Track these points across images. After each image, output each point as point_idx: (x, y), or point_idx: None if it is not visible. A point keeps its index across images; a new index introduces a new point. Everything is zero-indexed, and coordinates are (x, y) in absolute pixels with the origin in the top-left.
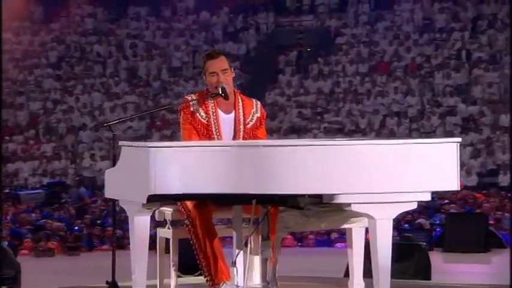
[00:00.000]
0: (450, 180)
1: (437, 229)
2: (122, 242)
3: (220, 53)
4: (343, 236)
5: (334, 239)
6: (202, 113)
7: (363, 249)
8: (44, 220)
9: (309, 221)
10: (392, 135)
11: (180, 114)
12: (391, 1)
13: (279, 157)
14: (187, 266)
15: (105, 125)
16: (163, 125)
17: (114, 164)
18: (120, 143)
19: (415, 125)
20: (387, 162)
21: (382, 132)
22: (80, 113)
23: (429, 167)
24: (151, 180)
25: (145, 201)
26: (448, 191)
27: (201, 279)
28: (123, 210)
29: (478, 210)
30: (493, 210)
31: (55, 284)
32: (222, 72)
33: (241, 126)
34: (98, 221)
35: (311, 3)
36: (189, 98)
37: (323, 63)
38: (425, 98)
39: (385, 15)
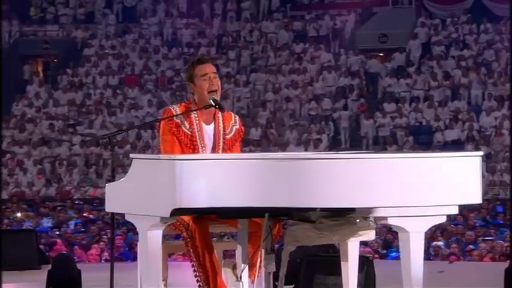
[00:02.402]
0: (475, 193)
1: None
2: None
3: (208, 59)
4: None
5: None
6: (187, 124)
7: (357, 263)
8: None
9: (321, 235)
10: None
11: (159, 126)
12: (138, 14)
13: (316, 170)
14: None
15: (104, 136)
16: None
17: (113, 177)
18: (132, 155)
19: None
20: (421, 176)
21: (138, 144)
22: None
23: (457, 180)
24: (177, 194)
25: (168, 215)
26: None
27: None
28: None
29: None
30: None
31: None
32: (214, 75)
33: (221, 138)
34: None
35: (56, 13)
36: (172, 110)
37: (72, 75)
38: None
39: (133, 28)
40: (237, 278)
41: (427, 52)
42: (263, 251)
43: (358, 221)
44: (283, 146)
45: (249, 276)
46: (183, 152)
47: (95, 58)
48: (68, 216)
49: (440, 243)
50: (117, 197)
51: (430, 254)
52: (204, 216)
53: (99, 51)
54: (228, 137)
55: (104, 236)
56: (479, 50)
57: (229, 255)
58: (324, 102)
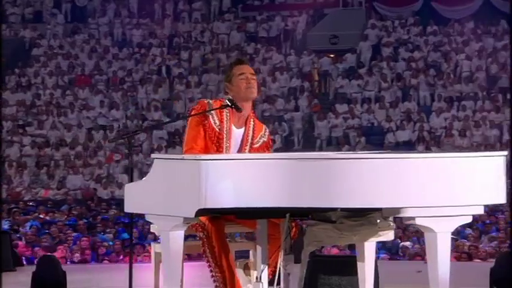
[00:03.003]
0: (500, 193)
1: None
2: None
3: (246, 60)
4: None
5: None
6: (217, 121)
7: (374, 263)
8: None
9: (342, 235)
10: (100, 148)
11: (189, 116)
12: (87, 14)
13: (345, 170)
14: None
15: (124, 136)
16: None
17: (131, 177)
18: (153, 155)
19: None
20: (448, 176)
21: (90, 145)
22: None
23: (483, 180)
24: (202, 194)
25: (193, 215)
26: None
27: None
28: None
29: None
30: None
31: None
32: (251, 76)
33: (248, 145)
34: None
35: (3, 13)
36: (207, 103)
37: (20, 75)
38: (129, 111)
39: (82, 28)
40: (252, 278)
41: (378, 53)
42: (282, 251)
43: (378, 221)
44: None
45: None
46: (205, 147)
47: (44, 58)
48: (24, 218)
49: (408, 243)
50: (137, 197)
51: (399, 255)
52: (221, 216)
53: (48, 51)
54: (255, 146)
55: (69, 238)
56: (428, 51)
57: (238, 256)
58: (277, 103)
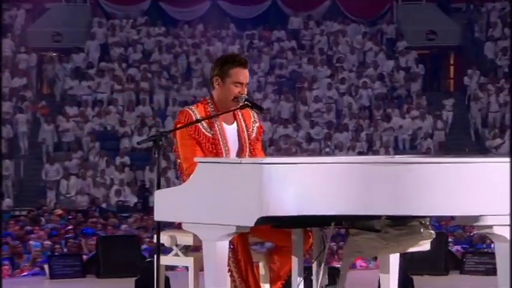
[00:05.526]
0: None
1: None
2: None
3: (247, 63)
4: None
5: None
6: (207, 126)
7: (397, 275)
8: None
9: (387, 245)
10: None
11: (176, 126)
12: None
13: (423, 175)
14: None
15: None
16: None
17: (158, 181)
18: (196, 159)
19: None
20: None
21: None
22: None
23: None
24: (265, 201)
25: (253, 224)
26: None
27: None
28: None
29: None
30: None
31: None
32: (246, 85)
33: (247, 139)
34: None
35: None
36: (191, 112)
37: None
38: None
39: None
40: None
41: (106, 53)
42: (315, 263)
43: (422, 230)
44: None
45: None
46: (205, 157)
47: None
48: None
49: None
50: (173, 205)
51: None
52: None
53: None
54: (252, 137)
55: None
56: (160, 53)
57: None
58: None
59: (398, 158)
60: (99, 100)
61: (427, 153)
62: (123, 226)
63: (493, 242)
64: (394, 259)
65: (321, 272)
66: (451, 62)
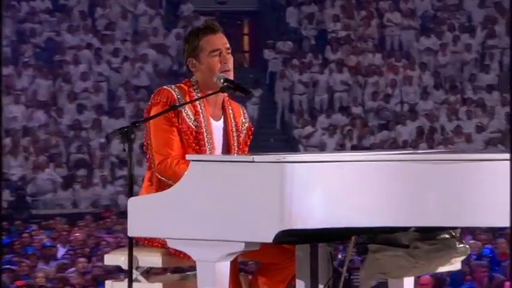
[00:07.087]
0: None
1: None
2: None
3: (219, 27)
4: None
5: None
6: (191, 114)
7: None
8: None
9: (417, 264)
10: None
11: (151, 110)
12: None
13: (491, 175)
14: None
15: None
16: None
17: (131, 186)
18: (188, 157)
19: None
20: None
21: None
22: None
23: None
24: (287, 210)
25: (271, 240)
26: None
27: None
28: None
29: None
30: None
31: None
32: (226, 51)
33: (236, 140)
34: None
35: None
36: (172, 91)
37: None
38: None
39: None
40: None
41: None
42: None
43: (457, 244)
44: None
45: None
46: (184, 152)
47: None
48: None
49: None
50: (153, 216)
51: None
52: None
53: None
54: (241, 138)
55: None
56: None
57: None
58: None
59: (454, 154)
60: None
61: None
62: None
63: None
64: (410, 283)
65: None
66: (245, 31)
